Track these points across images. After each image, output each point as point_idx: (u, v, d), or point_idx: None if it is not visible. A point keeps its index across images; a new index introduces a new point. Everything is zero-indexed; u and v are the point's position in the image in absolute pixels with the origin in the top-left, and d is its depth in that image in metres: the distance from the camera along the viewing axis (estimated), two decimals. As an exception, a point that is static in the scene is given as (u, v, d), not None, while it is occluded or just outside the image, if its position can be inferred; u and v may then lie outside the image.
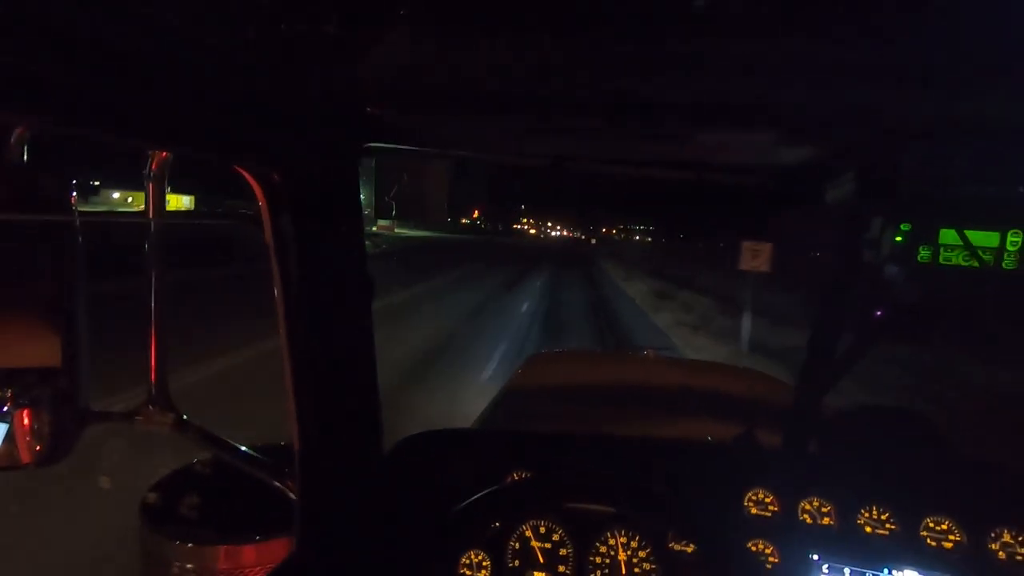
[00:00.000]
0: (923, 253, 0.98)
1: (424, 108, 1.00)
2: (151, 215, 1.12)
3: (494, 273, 23.08)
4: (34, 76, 0.53)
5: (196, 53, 0.68)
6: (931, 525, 1.17)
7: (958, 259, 0.95)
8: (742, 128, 1.02)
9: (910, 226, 0.97)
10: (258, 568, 1.14)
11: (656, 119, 0.98)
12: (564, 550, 1.19)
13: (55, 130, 0.97)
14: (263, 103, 0.81)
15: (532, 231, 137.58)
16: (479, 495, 1.27)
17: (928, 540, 1.16)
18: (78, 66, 0.57)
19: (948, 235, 0.95)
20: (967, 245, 0.94)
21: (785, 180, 1.23)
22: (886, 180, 1.00)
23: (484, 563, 1.19)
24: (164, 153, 1.09)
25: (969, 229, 0.94)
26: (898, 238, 0.98)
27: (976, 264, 0.94)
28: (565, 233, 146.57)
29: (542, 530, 1.20)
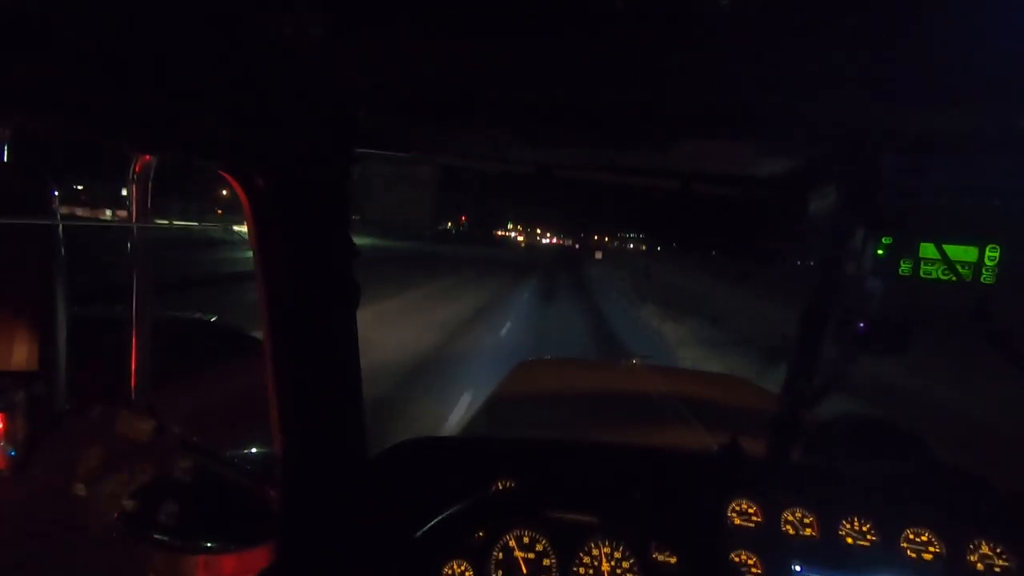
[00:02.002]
0: (904, 266, 0.99)
1: (410, 113, 1.00)
2: (134, 219, 1.11)
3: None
4: (16, 76, 0.53)
5: (181, 55, 0.68)
6: (911, 536, 1.18)
7: (937, 273, 0.97)
8: (726, 137, 1.03)
9: (891, 239, 0.99)
10: None
11: (640, 127, 0.99)
12: (547, 560, 1.18)
13: (38, 131, 0.96)
14: (248, 106, 0.81)
15: (520, 238, 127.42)
16: (462, 504, 1.27)
17: (908, 551, 1.17)
18: (62, 66, 0.56)
19: (928, 249, 0.97)
20: (945, 259, 0.95)
21: (769, 191, 1.25)
22: (868, 193, 1.01)
23: (467, 573, 1.18)
24: (148, 156, 1.09)
25: (948, 243, 0.96)
26: (879, 251, 1.00)
27: (954, 279, 0.95)
28: (555, 241, 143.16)
29: (525, 540, 1.20)
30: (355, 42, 0.74)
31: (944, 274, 0.96)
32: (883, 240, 1.00)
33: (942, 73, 0.68)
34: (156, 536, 1.12)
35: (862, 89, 0.75)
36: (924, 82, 0.71)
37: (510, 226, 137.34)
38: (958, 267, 0.95)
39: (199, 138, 0.81)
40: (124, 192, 1.07)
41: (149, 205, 1.12)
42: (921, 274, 0.98)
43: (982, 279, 0.95)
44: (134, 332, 1.13)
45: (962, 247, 0.95)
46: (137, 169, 1.11)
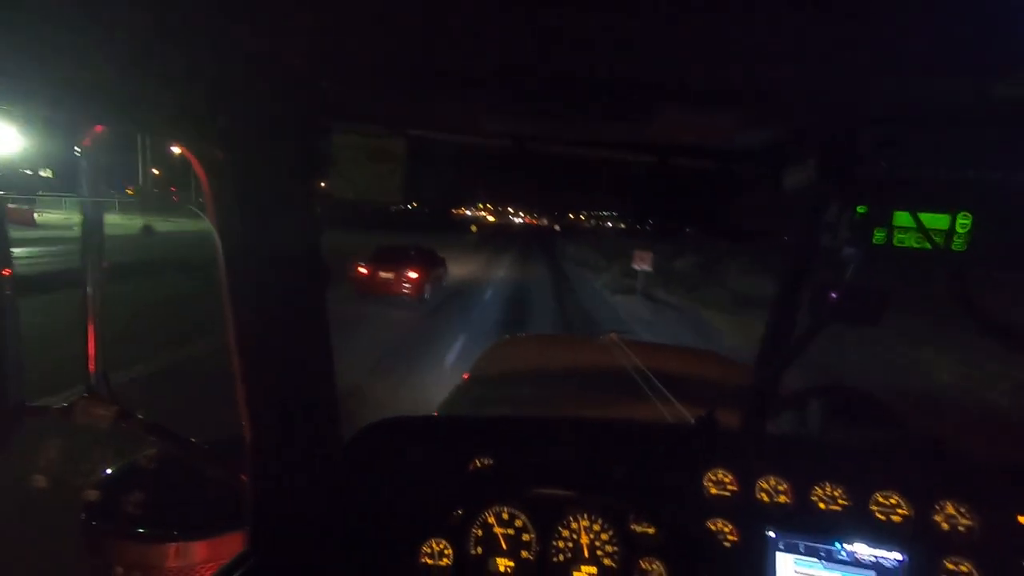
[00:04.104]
0: (878, 235, 0.99)
1: (377, 83, 0.95)
2: (85, 195, 1.05)
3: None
4: None
5: (133, 20, 0.63)
6: (880, 499, 1.21)
7: (911, 241, 0.97)
8: (703, 109, 1.02)
9: (866, 209, 0.99)
10: (211, 564, 1.09)
11: (617, 98, 0.96)
12: (527, 535, 1.18)
13: None
14: (206, 76, 0.76)
15: (491, 218, 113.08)
16: (440, 483, 1.25)
17: (877, 514, 1.20)
18: (5, 35, 0.52)
19: (902, 217, 0.97)
20: (920, 227, 0.96)
21: (746, 163, 1.24)
22: (843, 163, 1.01)
23: (446, 551, 1.17)
24: (99, 127, 1.02)
25: (922, 212, 0.96)
26: (855, 220, 1.00)
27: (928, 246, 0.96)
28: (527, 220, 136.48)
29: (504, 516, 1.19)
30: (321, 8, 0.70)
31: (917, 242, 0.97)
32: (858, 210, 1.00)
33: (916, 44, 0.68)
34: (123, 526, 1.08)
35: (838, 61, 0.74)
36: (898, 53, 0.71)
37: (480, 205, 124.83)
38: (932, 235, 0.96)
39: (152, 108, 0.76)
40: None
41: (102, 182, 1.06)
42: (895, 242, 0.98)
43: (953, 246, 0.96)
44: (89, 315, 1.08)
45: (935, 215, 0.96)
46: (86, 142, 1.04)
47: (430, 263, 12.67)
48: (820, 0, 0.59)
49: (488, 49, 0.80)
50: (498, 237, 47.68)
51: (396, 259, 11.75)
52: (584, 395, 2.28)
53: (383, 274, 11.42)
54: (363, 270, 11.48)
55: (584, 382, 2.45)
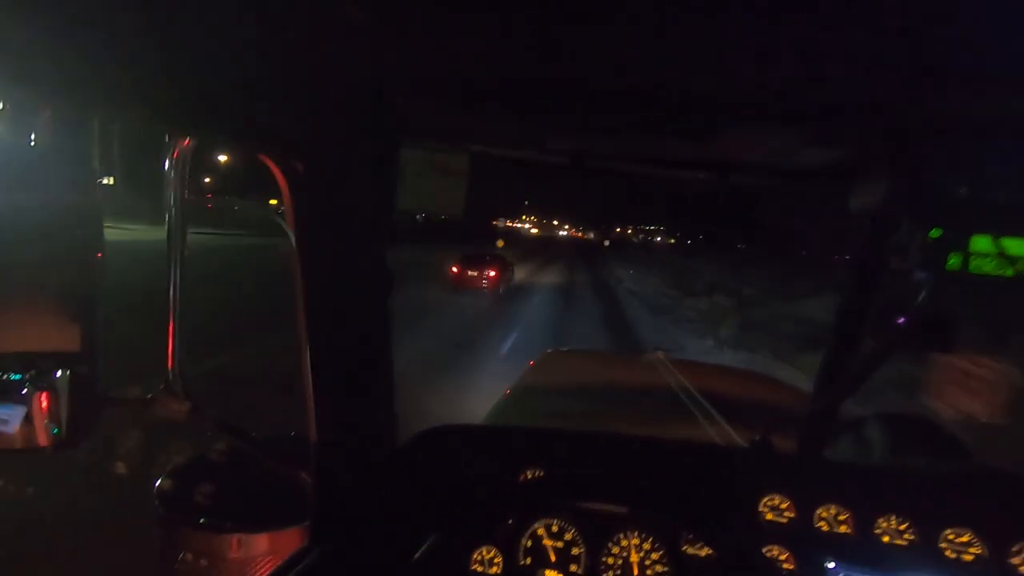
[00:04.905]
0: (952, 260, 0.96)
1: (446, 100, 0.99)
2: (172, 202, 1.13)
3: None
4: (57, 59, 0.53)
5: (221, 40, 0.68)
6: (951, 537, 1.15)
7: (990, 267, 0.93)
8: (767, 128, 1.01)
9: (940, 232, 0.96)
10: (270, 557, 1.14)
11: (679, 115, 0.97)
12: (576, 549, 1.18)
13: (81, 113, 0.97)
14: (287, 91, 0.81)
15: (534, 231, 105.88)
16: (492, 492, 1.27)
17: (948, 552, 1.15)
18: (102, 49, 0.57)
19: (980, 242, 0.93)
20: (1002, 253, 0.92)
21: (810, 182, 1.22)
22: (916, 184, 0.98)
23: (496, 560, 1.18)
24: (187, 140, 1.09)
25: (1004, 237, 0.92)
26: (927, 243, 0.96)
27: (1010, 273, 0.92)
28: (572, 233, 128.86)
29: (555, 529, 1.20)
30: (394, 28, 0.74)
31: (997, 268, 0.93)
32: (931, 233, 0.96)
33: (994, 58, 0.65)
34: (192, 515, 1.14)
35: (910, 75, 0.72)
36: (975, 66, 0.68)
37: (524, 217, 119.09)
38: (1018, 262, 0.91)
39: (239, 122, 0.81)
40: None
41: (187, 190, 1.13)
42: (971, 268, 0.94)
43: None
44: (171, 315, 1.15)
45: (1017, 240, 0.92)
46: (175, 154, 1.12)
47: (503, 266, 17.12)
48: (889, 12, 0.58)
49: (551, 67, 0.82)
50: (536, 255, 37.32)
51: (478, 262, 16.34)
52: (630, 413, 2.25)
53: (470, 273, 15.79)
54: (455, 270, 15.93)
55: (630, 399, 2.43)
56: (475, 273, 15.73)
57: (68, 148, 1.04)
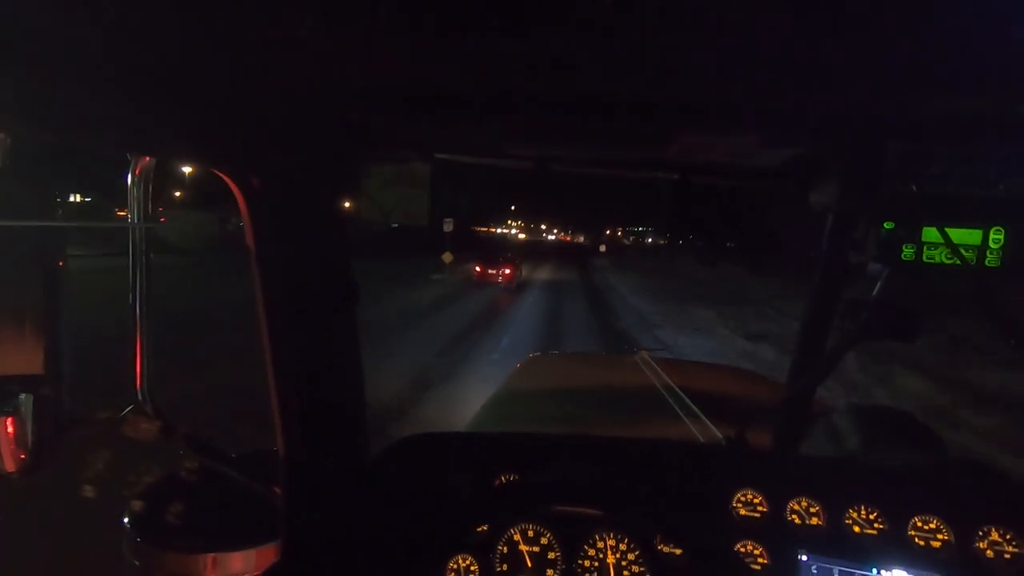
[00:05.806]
0: (907, 251, 0.98)
1: (404, 110, 0.99)
2: (134, 220, 1.12)
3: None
4: (14, 83, 0.53)
5: (175, 58, 0.68)
6: (919, 524, 1.17)
7: (941, 257, 0.96)
8: (725, 131, 1.02)
9: (893, 225, 0.98)
10: (246, 575, 1.13)
11: (639, 121, 0.98)
12: (553, 554, 1.18)
13: (36, 138, 0.96)
14: (243, 107, 0.81)
15: (521, 236, 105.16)
16: (466, 499, 1.27)
17: (916, 539, 1.16)
18: (59, 72, 0.57)
19: (931, 233, 0.96)
20: (948, 243, 0.94)
21: (770, 180, 1.24)
22: (869, 179, 1.00)
23: (472, 568, 1.18)
24: (147, 158, 1.09)
25: (951, 227, 0.95)
26: (882, 236, 0.99)
27: (958, 262, 0.94)
28: (561, 237, 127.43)
29: (530, 534, 1.20)
30: (348, 40, 0.74)
31: (948, 258, 0.95)
32: (885, 225, 0.99)
33: (943, 59, 0.67)
34: (164, 536, 1.12)
35: (863, 78, 0.74)
36: (923, 68, 0.70)
37: (510, 222, 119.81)
38: (962, 250, 0.94)
39: (196, 139, 0.81)
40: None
41: (150, 207, 1.12)
42: (924, 259, 0.97)
43: (986, 262, 0.94)
44: (138, 333, 1.14)
45: (965, 230, 0.94)
46: (136, 172, 1.11)
47: (514, 266, 22.18)
48: (840, 14, 0.59)
49: (506, 75, 0.83)
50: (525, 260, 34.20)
51: (496, 261, 22.13)
52: (613, 413, 2.26)
53: (490, 271, 21.24)
54: (478, 268, 21.51)
55: (613, 400, 2.44)
56: (494, 271, 21.27)
57: (25, 170, 1.03)
